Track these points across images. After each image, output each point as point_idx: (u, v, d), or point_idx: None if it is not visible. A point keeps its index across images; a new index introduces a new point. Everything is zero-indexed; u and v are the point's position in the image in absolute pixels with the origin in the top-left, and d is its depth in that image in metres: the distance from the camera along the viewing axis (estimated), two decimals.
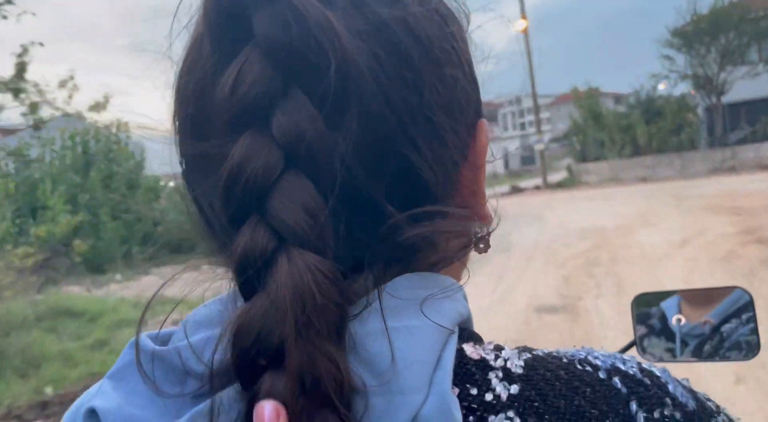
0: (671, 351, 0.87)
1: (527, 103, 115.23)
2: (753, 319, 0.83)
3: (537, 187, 27.95)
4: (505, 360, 0.40)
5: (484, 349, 0.41)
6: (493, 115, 65.22)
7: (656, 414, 0.39)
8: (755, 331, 0.83)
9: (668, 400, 0.40)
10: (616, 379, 0.40)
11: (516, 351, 0.42)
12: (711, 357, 0.85)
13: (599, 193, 20.62)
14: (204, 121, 0.38)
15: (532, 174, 44.34)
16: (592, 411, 0.38)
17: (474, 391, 0.38)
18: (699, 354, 0.86)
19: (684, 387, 0.42)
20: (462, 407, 0.37)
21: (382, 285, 0.38)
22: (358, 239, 0.38)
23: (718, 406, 0.43)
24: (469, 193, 0.45)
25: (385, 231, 0.38)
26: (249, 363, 0.32)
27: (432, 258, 0.42)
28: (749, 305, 0.84)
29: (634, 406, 0.39)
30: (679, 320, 0.86)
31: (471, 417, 0.37)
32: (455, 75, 0.42)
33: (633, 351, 0.84)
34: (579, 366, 0.41)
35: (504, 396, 0.38)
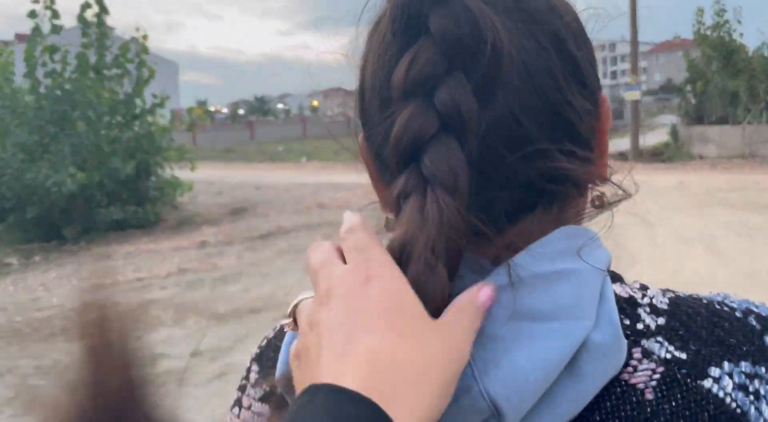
0: None
1: (622, 49, 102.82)
2: None
3: (622, 155, 19.06)
4: (651, 298, 0.46)
5: (631, 288, 0.47)
6: None
7: None
8: None
9: None
10: (751, 318, 0.46)
11: (660, 290, 0.48)
12: None
13: (728, 181, 11.85)
14: (386, 94, 0.45)
15: (619, 133, 35.81)
16: (731, 340, 0.43)
17: (627, 322, 0.44)
18: None
19: None
20: None
21: (540, 239, 0.44)
22: (519, 187, 0.44)
23: None
24: (598, 152, 0.49)
25: (544, 164, 0.44)
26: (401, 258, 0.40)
27: (573, 195, 0.47)
28: None
29: (767, 339, 0.44)
30: None
31: (627, 341, 0.42)
32: (587, 51, 0.49)
33: None
34: (717, 306, 0.46)
35: (653, 325, 0.44)
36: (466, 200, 0.41)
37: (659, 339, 0.43)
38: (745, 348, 0.43)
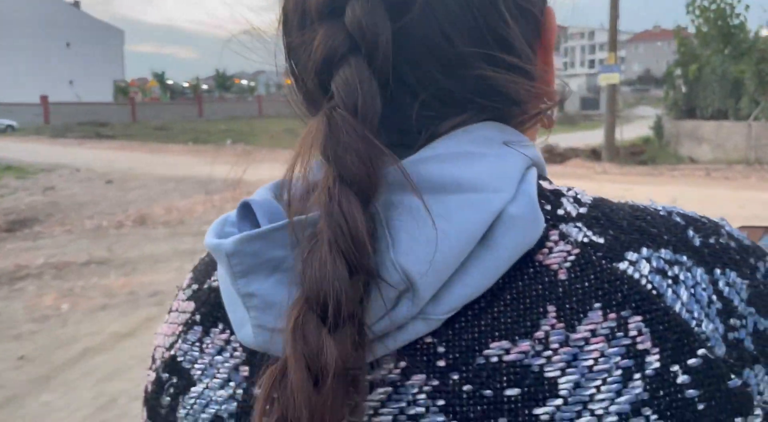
0: None
1: (600, 37, 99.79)
2: None
3: (594, 154, 15.39)
4: (576, 193, 0.45)
5: (557, 186, 0.46)
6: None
7: (711, 240, 0.43)
8: None
9: (723, 231, 0.44)
10: (675, 215, 0.45)
11: (585, 191, 0.47)
12: None
13: (737, 199, 8.23)
14: (304, 16, 0.44)
15: (592, 123, 32.69)
16: (652, 230, 0.43)
17: (548, 207, 0.43)
18: None
19: (740, 232, 0.45)
20: None
21: (472, 124, 0.44)
22: (449, 104, 0.44)
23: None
24: (542, 69, 0.48)
25: (474, 76, 0.44)
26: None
27: (514, 113, 0.47)
28: None
29: (690, 232, 0.43)
30: None
31: (544, 225, 0.42)
32: None
33: None
34: (641, 205, 0.46)
35: (574, 213, 0.43)
36: (375, 120, 0.39)
37: (578, 224, 0.43)
38: (666, 238, 0.42)
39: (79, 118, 39.03)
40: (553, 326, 0.39)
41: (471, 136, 0.43)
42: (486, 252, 0.39)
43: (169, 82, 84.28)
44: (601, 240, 0.42)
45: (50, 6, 53.49)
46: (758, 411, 0.40)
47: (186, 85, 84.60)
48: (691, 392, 0.38)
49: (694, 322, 0.39)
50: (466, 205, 0.39)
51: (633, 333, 0.39)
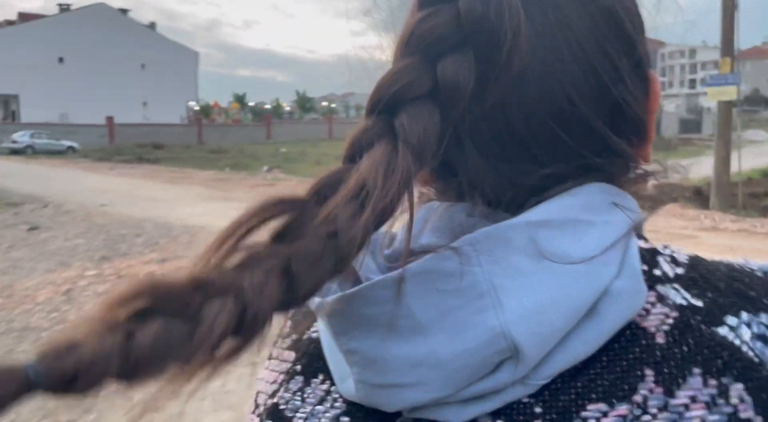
0: None
1: (703, 56, 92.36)
2: None
3: (699, 196, 11.45)
4: (673, 252, 0.45)
5: (654, 244, 0.46)
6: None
7: None
8: None
9: None
10: None
11: (681, 249, 0.47)
12: None
13: None
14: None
15: (693, 149, 27.71)
16: (751, 292, 0.42)
17: (645, 268, 0.43)
18: None
19: None
20: None
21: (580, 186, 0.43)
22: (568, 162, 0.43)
23: None
24: (646, 137, 0.48)
25: (601, 146, 0.44)
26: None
27: (622, 173, 0.46)
28: None
29: None
30: None
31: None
32: (639, 24, 0.47)
33: None
34: (737, 266, 0.45)
35: (671, 273, 0.43)
36: (429, 168, 0.43)
37: (676, 286, 0.42)
38: (765, 301, 0.42)
39: (143, 139, 38.04)
40: (651, 390, 0.39)
41: (579, 200, 0.42)
42: (590, 324, 0.39)
43: (251, 103, 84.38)
44: (700, 304, 0.41)
45: (125, 28, 53.84)
46: None
47: (268, 106, 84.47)
48: None
49: None
50: (576, 277, 0.39)
51: (735, 400, 0.38)
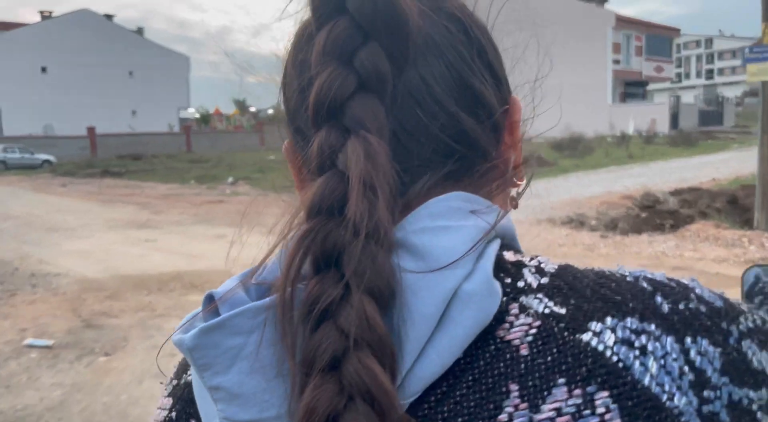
0: None
1: (720, 45, 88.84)
2: None
3: (733, 207, 8.75)
4: (540, 262, 0.45)
5: (522, 256, 0.46)
6: (663, 47, 42.47)
7: (681, 306, 0.41)
8: None
9: (693, 296, 0.42)
10: (643, 281, 0.43)
11: (551, 259, 0.46)
12: None
13: None
14: (305, 61, 0.47)
15: (718, 144, 24.62)
16: (617, 297, 0.41)
17: (508, 280, 0.43)
18: None
19: (712, 291, 0.44)
20: None
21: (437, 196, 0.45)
22: (429, 144, 0.47)
23: (749, 309, 0.44)
24: (508, 147, 0.52)
25: (454, 127, 0.47)
26: (315, 211, 0.40)
27: (490, 184, 0.49)
28: None
29: (659, 298, 0.41)
30: None
31: (504, 298, 0.42)
32: (496, 55, 0.52)
33: None
34: (607, 271, 0.44)
35: (535, 284, 0.42)
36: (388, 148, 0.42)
37: (539, 295, 0.42)
38: (632, 305, 0.41)
39: (128, 149, 35.91)
40: (516, 407, 0.38)
41: (437, 209, 0.43)
42: (443, 332, 0.39)
43: (252, 109, 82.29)
44: (563, 311, 0.41)
45: (111, 34, 51.79)
46: None
47: (271, 111, 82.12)
48: None
49: (665, 396, 0.38)
50: (425, 285, 0.39)
51: (600, 410, 0.37)
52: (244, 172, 20.78)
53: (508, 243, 0.47)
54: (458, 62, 0.48)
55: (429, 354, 0.38)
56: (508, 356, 0.39)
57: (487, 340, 0.40)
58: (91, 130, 37.56)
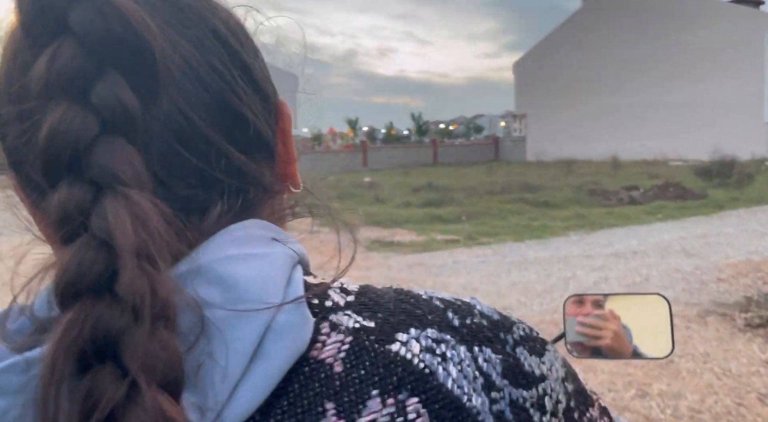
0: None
1: None
2: (670, 322, 0.90)
3: None
4: (342, 283, 0.47)
5: (323, 279, 0.47)
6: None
7: (468, 320, 0.46)
8: (671, 333, 0.90)
9: (476, 311, 0.47)
10: (435, 300, 0.47)
11: (351, 280, 0.48)
12: (632, 355, 0.92)
13: None
14: (23, 91, 0.39)
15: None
16: (417, 311, 0.45)
17: (315, 301, 0.43)
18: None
19: (490, 307, 0.49)
20: None
21: (235, 223, 0.43)
22: (199, 184, 0.43)
23: (519, 320, 0.49)
24: (283, 160, 0.50)
25: (221, 162, 0.43)
26: (73, 293, 0.33)
27: (263, 198, 0.47)
28: (667, 309, 0.90)
29: (450, 314, 0.46)
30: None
31: (315, 319, 0.42)
32: (252, 52, 0.48)
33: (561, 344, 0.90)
34: (405, 290, 0.48)
35: (342, 302, 0.44)
36: (154, 196, 0.37)
37: (348, 312, 0.43)
38: (430, 318, 0.44)
39: None
40: None
41: (233, 237, 0.41)
42: (258, 367, 0.37)
43: (364, 128, 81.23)
44: (372, 324, 0.43)
45: None
46: None
47: (383, 131, 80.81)
48: None
49: (465, 398, 0.41)
50: (236, 322, 0.37)
51: (412, 416, 0.39)
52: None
53: (305, 268, 0.46)
54: (217, 83, 0.43)
55: (244, 393, 0.36)
56: (322, 375, 0.39)
57: (301, 363, 0.39)
58: None
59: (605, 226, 11.71)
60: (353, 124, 73.93)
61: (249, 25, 0.50)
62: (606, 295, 0.93)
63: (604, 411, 0.51)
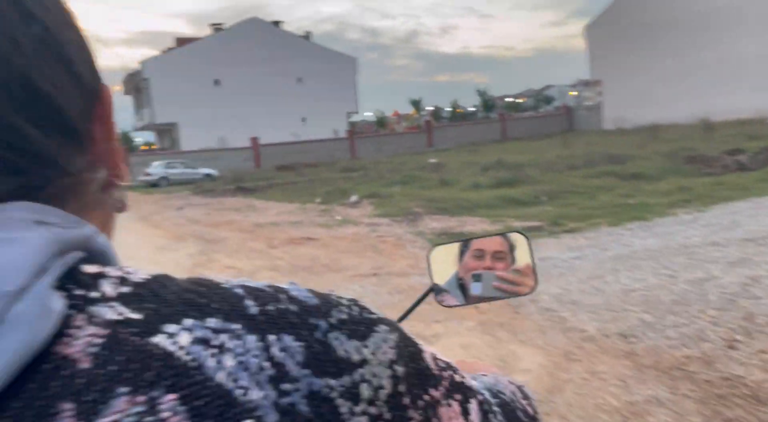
0: (461, 295, 0.94)
1: None
2: (531, 258, 0.92)
3: None
4: (129, 273, 0.41)
5: (112, 269, 0.42)
6: None
7: (269, 307, 0.42)
8: (532, 269, 0.92)
9: (284, 297, 0.43)
10: (238, 288, 0.43)
11: (150, 270, 0.43)
12: (497, 296, 0.95)
13: None
14: None
15: None
16: (201, 300, 0.41)
17: (80, 292, 0.39)
18: (487, 294, 0.94)
19: (312, 291, 0.45)
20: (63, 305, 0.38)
21: None
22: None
23: (353, 301, 0.46)
24: (104, 149, 0.47)
25: (13, 139, 0.40)
26: None
27: (51, 177, 0.43)
28: (528, 247, 0.93)
29: (248, 302, 0.42)
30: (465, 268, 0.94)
31: (72, 311, 0.38)
32: (72, 33, 0.45)
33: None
34: (206, 280, 0.43)
35: (113, 293, 0.39)
36: None
37: (113, 304, 0.39)
38: (215, 307, 0.41)
39: (292, 158, 33.94)
40: None
41: None
42: None
43: (429, 108, 79.17)
44: (139, 316, 0.38)
45: (279, 41, 50.93)
46: None
47: (449, 110, 78.51)
48: None
49: (239, 392, 0.38)
50: None
51: (165, 414, 0.35)
52: (383, 184, 16.67)
53: (99, 258, 0.42)
54: (17, 57, 0.40)
55: None
56: (64, 372, 0.35)
57: (43, 360, 0.36)
58: (254, 140, 36.19)
59: (719, 200, 9.69)
60: (417, 105, 72.07)
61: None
62: (470, 240, 0.96)
63: (456, 388, 0.48)
